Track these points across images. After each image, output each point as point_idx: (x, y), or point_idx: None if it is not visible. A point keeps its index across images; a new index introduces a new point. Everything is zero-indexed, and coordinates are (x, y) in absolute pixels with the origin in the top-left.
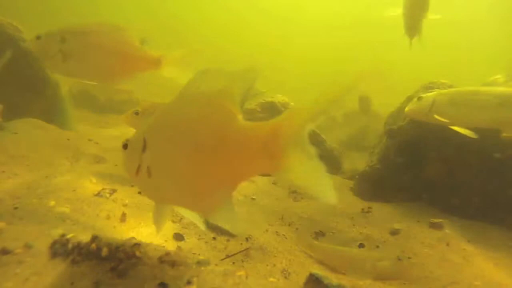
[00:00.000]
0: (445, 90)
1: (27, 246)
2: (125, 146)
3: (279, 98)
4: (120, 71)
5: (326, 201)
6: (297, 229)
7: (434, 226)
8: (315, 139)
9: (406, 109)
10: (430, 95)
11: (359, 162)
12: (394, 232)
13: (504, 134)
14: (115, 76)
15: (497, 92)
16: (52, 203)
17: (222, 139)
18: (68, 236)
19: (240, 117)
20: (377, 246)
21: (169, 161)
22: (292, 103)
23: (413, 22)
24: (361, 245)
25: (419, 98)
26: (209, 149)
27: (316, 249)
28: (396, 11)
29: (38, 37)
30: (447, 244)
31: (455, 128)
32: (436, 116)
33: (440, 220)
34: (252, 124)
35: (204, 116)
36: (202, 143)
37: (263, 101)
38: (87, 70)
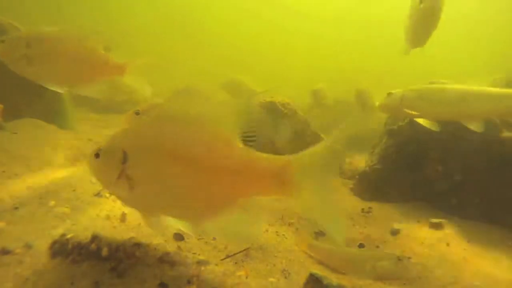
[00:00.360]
0: (414, 87)
1: (27, 246)
2: (97, 155)
3: (279, 98)
4: (83, 76)
5: (334, 236)
6: (297, 229)
7: (434, 226)
8: (315, 139)
9: (378, 103)
10: (399, 91)
11: (359, 162)
12: (394, 232)
13: (465, 124)
14: (78, 81)
15: (459, 89)
16: (52, 203)
17: (217, 162)
18: (68, 236)
19: (237, 143)
20: (377, 246)
21: (158, 174)
22: (292, 103)
23: (419, 37)
24: (361, 245)
25: (389, 94)
26: (204, 169)
27: (315, 249)
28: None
29: (2, 41)
30: (447, 244)
31: (419, 120)
32: (406, 110)
33: (440, 220)
34: (260, 156)
35: (195, 136)
36: (196, 163)
37: (263, 101)
38: (51, 75)
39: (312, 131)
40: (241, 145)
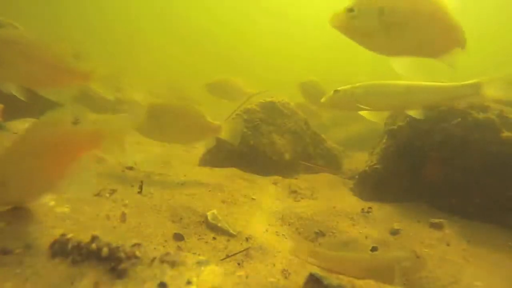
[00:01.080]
0: (359, 84)
1: (27, 246)
2: None
3: (279, 97)
4: (48, 81)
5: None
6: (296, 229)
7: (434, 226)
8: (315, 139)
9: (323, 100)
10: (348, 88)
11: (359, 162)
12: (394, 232)
13: (407, 112)
14: (42, 85)
15: (402, 84)
16: (52, 203)
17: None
18: (68, 236)
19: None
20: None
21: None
22: (292, 103)
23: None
24: (374, 249)
25: (337, 91)
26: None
27: (322, 257)
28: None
29: None
30: (447, 244)
31: (362, 113)
32: (358, 105)
33: (440, 220)
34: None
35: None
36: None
37: (263, 101)
38: (17, 77)
39: (312, 131)
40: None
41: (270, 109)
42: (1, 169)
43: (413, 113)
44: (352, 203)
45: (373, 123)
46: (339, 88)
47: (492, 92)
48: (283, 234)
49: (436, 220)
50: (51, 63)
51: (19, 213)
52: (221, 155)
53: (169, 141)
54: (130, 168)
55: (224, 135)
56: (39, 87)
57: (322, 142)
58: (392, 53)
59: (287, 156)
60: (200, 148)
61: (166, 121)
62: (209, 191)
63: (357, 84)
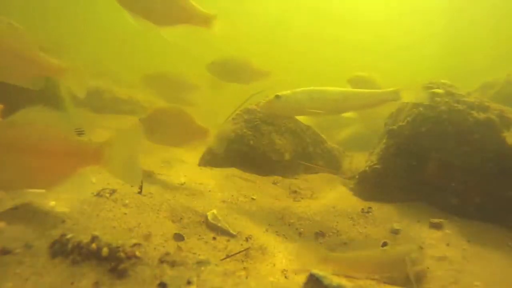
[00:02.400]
0: (299, 89)
1: (27, 246)
2: None
3: None
4: (17, 72)
5: (131, 183)
6: (296, 229)
7: (434, 226)
8: (315, 139)
9: (262, 104)
10: (288, 93)
11: (359, 162)
12: (394, 232)
13: (344, 115)
14: (12, 75)
15: (340, 90)
16: (52, 203)
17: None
18: (68, 236)
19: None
20: (376, 246)
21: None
22: None
23: None
24: (384, 244)
25: (278, 96)
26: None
27: (336, 262)
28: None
29: None
30: (447, 244)
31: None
32: (308, 109)
33: (440, 220)
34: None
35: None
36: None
37: (264, 101)
38: None
39: (312, 131)
40: (73, 138)
41: None
42: None
43: (348, 115)
44: (352, 203)
45: (373, 124)
46: (279, 93)
47: (407, 97)
48: (283, 234)
49: (436, 220)
50: (18, 54)
51: (19, 213)
52: (221, 155)
53: (159, 143)
54: None
55: (211, 142)
56: (9, 78)
57: (322, 142)
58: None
59: (287, 156)
60: (200, 148)
61: (159, 124)
62: (209, 191)
63: (298, 90)
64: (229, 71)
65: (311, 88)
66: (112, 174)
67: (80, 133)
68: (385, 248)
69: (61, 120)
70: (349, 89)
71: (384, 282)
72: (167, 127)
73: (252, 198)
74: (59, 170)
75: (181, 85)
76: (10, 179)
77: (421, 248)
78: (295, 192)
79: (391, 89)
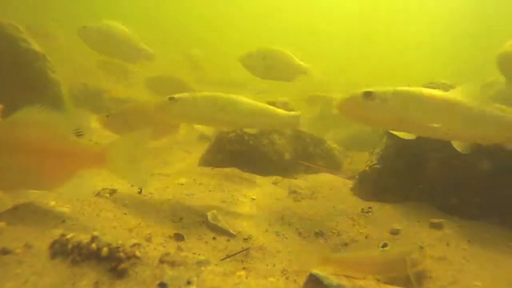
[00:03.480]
0: (199, 93)
1: (27, 246)
2: None
3: (279, 98)
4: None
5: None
6: (296, 229)
7: (434, 226)
8: (315, 139)
9: (156, 104)
10: (186, 95)
11: (359, 162)
12: (394, 232)
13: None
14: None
15: (248, 103)
16: (52, 203)
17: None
18: (68, 236)
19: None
20: (378, 246)
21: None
22: (291, 103)
23: None
24: (384, 245)
25: (172, 98)
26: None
27: (337, 262)
28: None
29: None
30: (447, 244)
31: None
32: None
33: (440, 220)
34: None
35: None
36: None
37: (266, 102)
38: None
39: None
40: (75, 139)
41: None
42: None
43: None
44: (352, 203)
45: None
46: (175, 96)
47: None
48: (283, 234)
49: (436, 220)
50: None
51: (19, 213)
52: (221, 155)
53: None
54: None
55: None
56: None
57: (322, 142)
58: None
59: (287, 156)
60: (200, 149)
61: (126, 120)
62: (209, 191)
63: (198, 94)
64: (268, 66)
65: (216, 94)
66: (117, 176)
67: (79, 134)
68: (385, 248)
69: (62, 120)
70: (258, 104)
71: (385, 282)
72: (135, 124)
73: (252, 198)
74: (61, 171)
75: (182, 87)
76: (12, 179)
77: (421, 248)
78: (295, 192)
79: (294, 113)
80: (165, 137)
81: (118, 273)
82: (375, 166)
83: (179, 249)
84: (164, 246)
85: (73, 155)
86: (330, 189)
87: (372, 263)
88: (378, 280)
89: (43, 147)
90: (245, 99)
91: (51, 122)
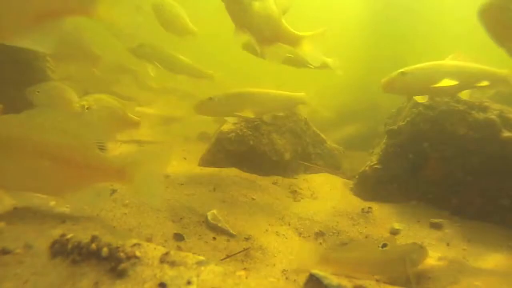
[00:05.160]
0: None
1: (27, 246)
2: None
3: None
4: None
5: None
6: (296, 229)
7: (434, 226)
8: (315, 139)
9: (198, 105)
10: (220, 94)
11: (359, 162)
12: (394, 232)
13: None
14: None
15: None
16: (52, 203)
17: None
18: (68, 236)
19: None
20: (377, 246)
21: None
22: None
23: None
24: (384, 245)
25: (211, 98)
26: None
27: (337, 262)
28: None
29: None
30: (447, 244)
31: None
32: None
33: (440, 220)
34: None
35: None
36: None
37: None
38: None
39: (312, 131)
40: (97, 152)
41: None
42: None
43: (266, 117)
44: (352, 203)
45: (373, 123)
46: (211, 96)
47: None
48: (283, 234)
49: (436, 220)
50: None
51: (19, 213)
52: (221, 155)
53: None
54: None
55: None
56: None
57: (322, 142)
58: None
59: (287, 156)
60: (200, 148)
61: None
62: (209, 191)
63: (221, 92)
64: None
65: (236, 90)
66: (134, 193)
67: (101, 147)
68: (385, 248)
69: (86, 130)
70: (268, 90)
71: (384, 282)
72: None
73: (252, 198)
74: (78, 182)
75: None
76: (24, 181)
77: (421, 248)
78: (295, 192)
79: (300, 93)
80: (121, 132)
81: (118, 273)
82: (375, 166)
83: (179, 249)
84: (164, 246)
85: (93, 168)
86: (330, 189)
87: (372, 263)
88: (378, 280)
89: (65, 155)
90: (263, 90)
91: (77, 131)
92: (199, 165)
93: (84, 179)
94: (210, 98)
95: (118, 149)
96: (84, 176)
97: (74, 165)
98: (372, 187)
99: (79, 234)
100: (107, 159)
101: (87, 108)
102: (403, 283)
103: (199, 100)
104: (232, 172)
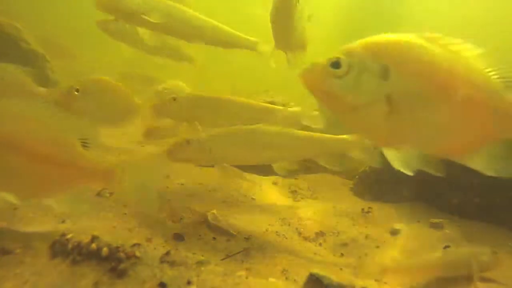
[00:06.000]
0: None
1: (27, 246)
2: None
3: (279, 98)
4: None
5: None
6: (296, 229)
7: (434, 226)
8: None
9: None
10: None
11: (359, 162)
12: (394, 232)
13: None
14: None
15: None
16: (52, 203)
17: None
18: (68, 236)
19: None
20: (377, 246)
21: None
22: (292, 103)
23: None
24: (446, 247)
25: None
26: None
27: (399, 272)
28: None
29: None
30: (447, 244)
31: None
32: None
33: (440, 220)
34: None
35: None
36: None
37: (263, 101)
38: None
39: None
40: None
41: None
42: None
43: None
44: (352, 203)
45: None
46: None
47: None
48: (283, 234)
49: (436, 220)
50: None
51: (19, 213)
52: None
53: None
54: None
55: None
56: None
57: None
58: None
59: None
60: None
61: (93, 99)
62: (209, 191)
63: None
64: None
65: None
66: (123, 197)
67: (85, 144)
68: (447, 249)
69: (70, 125)
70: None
71: (384, 283)
72: (96, 102)
73: (252, 198)
74: (61, 183)
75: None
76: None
77: (495, 253)
78: (295, 192)
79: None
80: (129, 119)
81: (118, 273)
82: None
83: (179, 249)
84: (164, 246)
85: (79, 168)
86: (330, 189)
87: (435, 265)
88: (378, 280)
89: (46, 151)
90: (239, 99)
91: (59, 125)
92: (199, 165)
93: (68, 180)
94: (174, 99)
95: (139, 150)
96: (69, 176)
97: (50, 164)
98: (372, 187)
99: (79, 234)
100: (94, 158)
101: (77, 91)
102: (464, 285)
103: (160, 100)
104: (232, 172)
